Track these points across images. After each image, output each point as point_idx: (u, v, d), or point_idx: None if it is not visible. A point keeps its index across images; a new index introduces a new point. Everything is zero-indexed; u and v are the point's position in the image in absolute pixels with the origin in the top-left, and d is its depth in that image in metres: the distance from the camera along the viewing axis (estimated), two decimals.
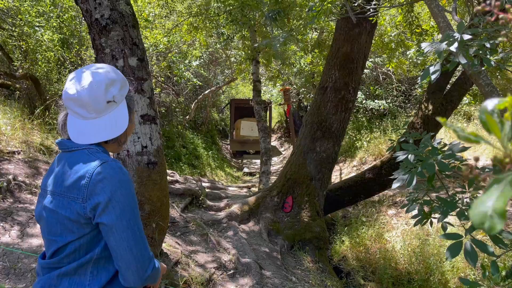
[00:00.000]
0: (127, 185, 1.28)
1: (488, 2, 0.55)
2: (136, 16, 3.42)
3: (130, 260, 1.25)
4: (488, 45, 1.69)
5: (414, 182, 1.71)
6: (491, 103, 0.46)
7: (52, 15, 8.39)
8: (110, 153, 1.44)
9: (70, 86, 1.32)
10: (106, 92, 1.32)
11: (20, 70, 7.89)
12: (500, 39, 1.69)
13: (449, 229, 1.85)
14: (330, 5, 3.76)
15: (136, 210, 1.29)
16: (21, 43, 8.02)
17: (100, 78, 1.32)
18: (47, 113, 7.24)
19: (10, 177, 4.73)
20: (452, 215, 1.70)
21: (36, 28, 7.95)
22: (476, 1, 4.39)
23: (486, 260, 4.59)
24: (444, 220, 1.74)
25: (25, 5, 7.82)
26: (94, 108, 1.32)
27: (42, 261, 1.37)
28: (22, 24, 7.77)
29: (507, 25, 0.54)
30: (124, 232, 1.23)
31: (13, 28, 7.97)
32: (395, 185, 1.84)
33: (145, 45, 5.55)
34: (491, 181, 0.41)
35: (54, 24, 8.37)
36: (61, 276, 1.30)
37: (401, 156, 1.90)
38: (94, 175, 1.24)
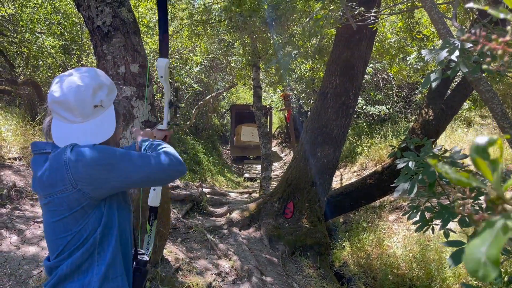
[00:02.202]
0: (101, 147, 1.26)
1: (473, 31, 0.56)
2: (138, 22, 3.44)
3: (157, 175, 1.28)
4: (488, 53, 1.70)
5: (415, 190, 1.71)
6: (481, 141, 0.45)
7: (53, 21, 8.43)
8: None
9: (56, 89, 1.29)
10: (93, 97, 1.30)
11: (22, 76, 7.92)
12: (484, 66, 1.69)
13: (451, 236, 1.85)
14: (330, 13, 3.77)
15: (118, 151, 1.26)
16: (22, 50, 8.06)
17: (87, 81, 1.30)
18: None
19: (11, 183, 4.73)
20: (454, 221, 1.70)
21: (38, 34, 7.99)
22: (476, 9, 4.41)
23: None
24: (446, 227, 1.73)
25: (26, 12, 7.86)
26: (81, 112, 1.29)
27: (48, 262, 1.34)
28: (24, 30, 7.81)
29: (492, 53, 0.55)
30: (129, 173, 1.24)
31: (15, 35, 8.01)
32: (396, 194, 1.84)
33: (146, 51, 5.58)
34: (484, 225, 0.41)
35: (56, 30, 8.41)
36: (69, 266, 1.28)
37: (401, 163, 1.90)
38: (69, 159, 1.21)
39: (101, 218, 1.29)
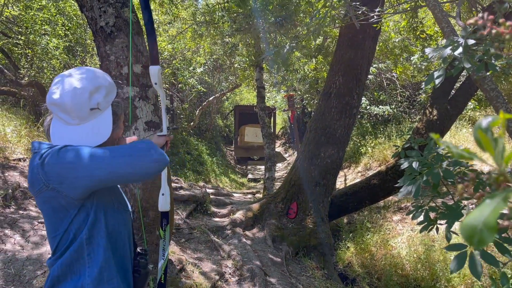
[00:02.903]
0: (72, 147, 1.24)
1: (480, 15, 0.55)
2: (141, 23, 3.45)
3: (124, 170, 1.22)
4: (493, 50, 1.68)
5: (420, 193, 1.70)
6: (485, 121, 0.46)
7: (57, 23, 8.47)
8: None
9: (54, 90, 1.29)
10: (90, 99, 1.30)
11: (26, 78, 7.95)
12: (492, 50, 1.68)
13: (454, 238, 1.83)
14: (334, 12, 3.76)
15: (86, 150, 1.23)
16: (27, 51, 8.09)
17: (84, 84, 1.29)
18: None
19: (15, 184, 4.75)
20: (458, 221, 1.68)
21: (42, 36, 8.02)
22: (480, 7, 4.39)
23: (493, 267, 4.54)
24: (450, 230, 1.72)
25: (31, 13, 7.90)
26: (77, 114, 1.29)
27: (48, 261, 1.37)
28: (28, 32, 7.84)
29: (500, 37, 0.54)
30: (94, 170, 1.20)
31: (19, 36, 8.05)
32: (400, 194, 1.83)
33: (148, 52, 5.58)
34: (485, 197, 0.41)
35: (60, 32, 8.44)
36: (60, 267, 1.30)
37: (405, 163, 1.89)
38: (42, 159, 1.21)
39: (87, 219, 1.29)
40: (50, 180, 1.20)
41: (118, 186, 1.52)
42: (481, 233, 0.38)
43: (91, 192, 1.28)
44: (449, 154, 1.81)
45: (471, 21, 0.57)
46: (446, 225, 1.69)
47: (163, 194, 1.98)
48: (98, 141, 1.34)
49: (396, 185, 1.95)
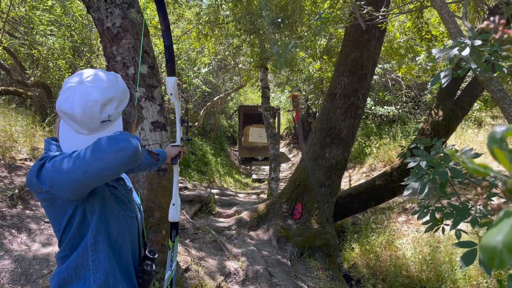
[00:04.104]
0: (59, 156, 1.20)
1: (492, 19, 0.55)
2: (147, 24, 3.46)
3: (94, 166, 1.15)
4: (500, 52, 1.68)
5: (426, 190, 1.70)
6: (499, 131, 0.45)
7: (63, 23, 8.52)
8: None
9: (65, 98, 1.26)
10: (101, 112, 1.26)
11: (32, 78, 8.00)
12: (504, 53, 1.68)
13: (463, 236, 1.83)
14: (339, 12, 3.76)
15: (67, 154, 1.19)
16: (33, 51, 8.14)
17: (96, 96, 1.25)
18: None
19: (22, 184, 4.78)
20: (464, 221, 1.68)
21: (48, 36, 8.07)
22: (486, 7, 4.37)
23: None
24: (457, 227, 1.71)
25: (37, 14, 7.95)
26: (87, 126, 1.27)
27: (56, 255, 1.39)
28: (34, 32, 7.89)
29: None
30: (71, 173, 1.15)
31: (25, 37, 8.10)
32: (406, 192, 1.83)
33: (154, 52, 5.60)
34: (503, 213, 0.41)
35: (66, 32, 8.49)
36: (66, 270, 1.32)
37: (412, 162, 1.89)
38: (36, 167, 1.21)
39: (89, 226, 1.29)
40: (42, 184, 1.20)
41: (126, 191, 1.49)
42: (501, 255, 0.38)
43: (89, 195, 1.27)
44: (456, 155, 1.81)
45: (482, 25, 0.57)
46: (453, 223, 1.68)
47: (173, 205, 1.95)
48: None
49: (402, 183, 1.95)
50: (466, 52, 1.60)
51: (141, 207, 1.60)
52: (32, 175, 1.22)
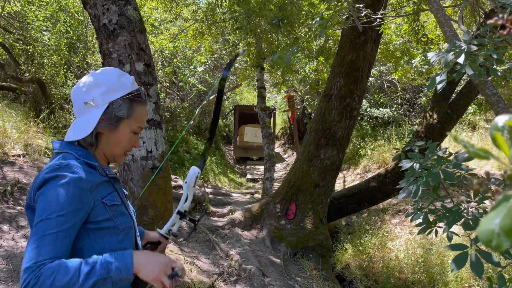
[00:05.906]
0: (64, 192, 1.14)
1: (500, 15, 0.55)
2: (143, 21, 3.45)
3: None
4: (495, 56, 1.69)
5: (420, 192, 1.71)
6: (501, 120, 0.46)
7: (59, 19, 8.47)
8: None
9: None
10: (87, 93, 1.29)
11: (27, 74, 7.95)
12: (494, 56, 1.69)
13: (454, 239, 1.84)
14: (337, 14, 3.77)
15: (53, 216, 1.11)
16: (28, 47, 8.09)
17: (90, 78, 1.32)
18: (52, 117, 7.29)
19: (14, 180, 4.75)
20: (457, 224, 1.69)
21: (44, 32, 8.02)
22: (482, 11, 4.39)
23: (490, 271, 4.55)
24: (449, 230, 1.73)
25: (32, 9, 7.90)
26: (76, 107, 1.32)
27: None
28: (30, 28, 7.84)
29: None
30: (33, 231, 1.11)
31: (21, 32, 8.05)
32: (401, 195, 1.84)
33: (151, 50, 5.60)
34: (501, 197, 0.41)
35: (61, 28, 8.44)
36: None
37: (406, 164, 1.89)
38: (39, 178, 1.18)
39: (81, 249, 1.21)
40: (35, 199, 1.19)
41: (123, 200, 1.40)
42: (498, 237, 0.38)
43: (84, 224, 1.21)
44: (449, 158, 1.82)
45: (491, 21, 0.57)
46: (446, 225, 1.69)
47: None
48: (75, 137, 1.28)
49: (396, 187, 1.96)
50: (461, 58, 1.60)
51: (134, 210, 1.57)
52: (33, 186, 1.20)
